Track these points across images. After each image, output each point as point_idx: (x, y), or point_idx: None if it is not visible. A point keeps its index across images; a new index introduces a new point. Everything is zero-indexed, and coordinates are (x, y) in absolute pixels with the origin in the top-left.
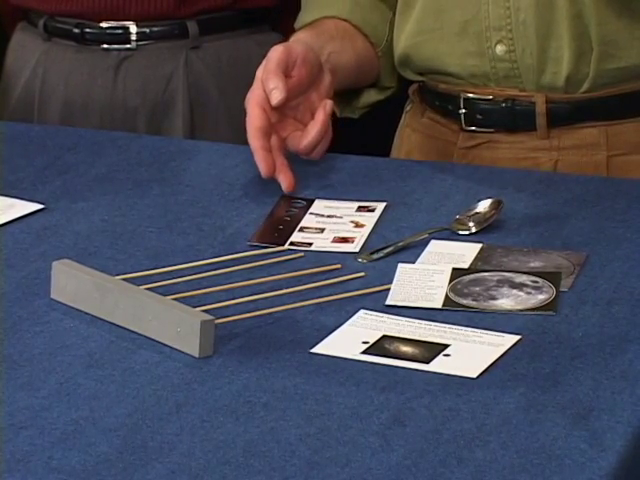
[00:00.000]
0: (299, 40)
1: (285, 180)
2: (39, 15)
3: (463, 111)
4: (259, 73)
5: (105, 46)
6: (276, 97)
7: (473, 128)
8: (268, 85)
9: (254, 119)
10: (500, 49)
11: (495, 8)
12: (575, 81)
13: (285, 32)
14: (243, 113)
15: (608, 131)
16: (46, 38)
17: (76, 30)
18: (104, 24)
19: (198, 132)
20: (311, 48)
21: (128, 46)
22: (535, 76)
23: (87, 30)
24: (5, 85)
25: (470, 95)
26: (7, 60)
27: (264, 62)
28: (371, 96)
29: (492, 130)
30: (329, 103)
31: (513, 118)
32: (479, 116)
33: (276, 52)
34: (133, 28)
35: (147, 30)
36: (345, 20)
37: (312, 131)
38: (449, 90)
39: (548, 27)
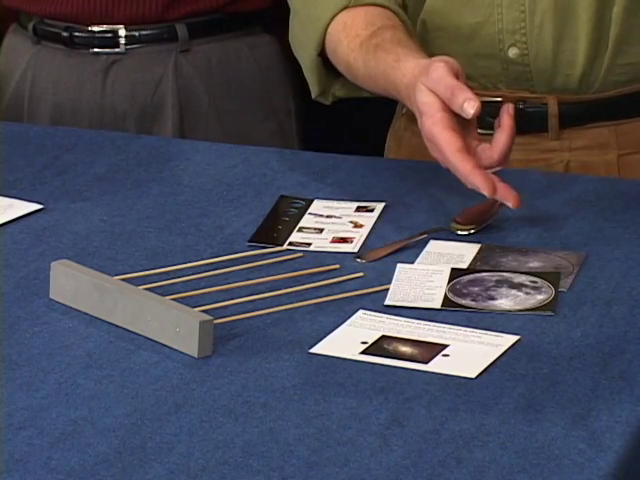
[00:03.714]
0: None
1: (512, 196)
2: (29, 18)
3: None
4: (424, 97)
5: (94, 50)
6: (473, 106)
7: (482, 131)
8: (457, 99)
9: (451, 142)
10: (513, 52)
11: (509, 11)
12: (587, 82)
13: (278, 34)
14: (233, 116)
15: (617, 130)
16: (35, 41)
17: (65, 34)
18: (93, 28)
19: (188, 136)
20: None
21: (117, 50)
22: (548, 79)
23: (76, 34)
24: None
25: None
26: None
27: (430, 80)
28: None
29: None
30: (511, 106)
31: (524, 120)
32: (489, 118)
33: (441, 68)
34: (122, 32)
35: (136, 34)
36: (386, 7)
37: (502, 139)
38: None
39: (564, 30)
